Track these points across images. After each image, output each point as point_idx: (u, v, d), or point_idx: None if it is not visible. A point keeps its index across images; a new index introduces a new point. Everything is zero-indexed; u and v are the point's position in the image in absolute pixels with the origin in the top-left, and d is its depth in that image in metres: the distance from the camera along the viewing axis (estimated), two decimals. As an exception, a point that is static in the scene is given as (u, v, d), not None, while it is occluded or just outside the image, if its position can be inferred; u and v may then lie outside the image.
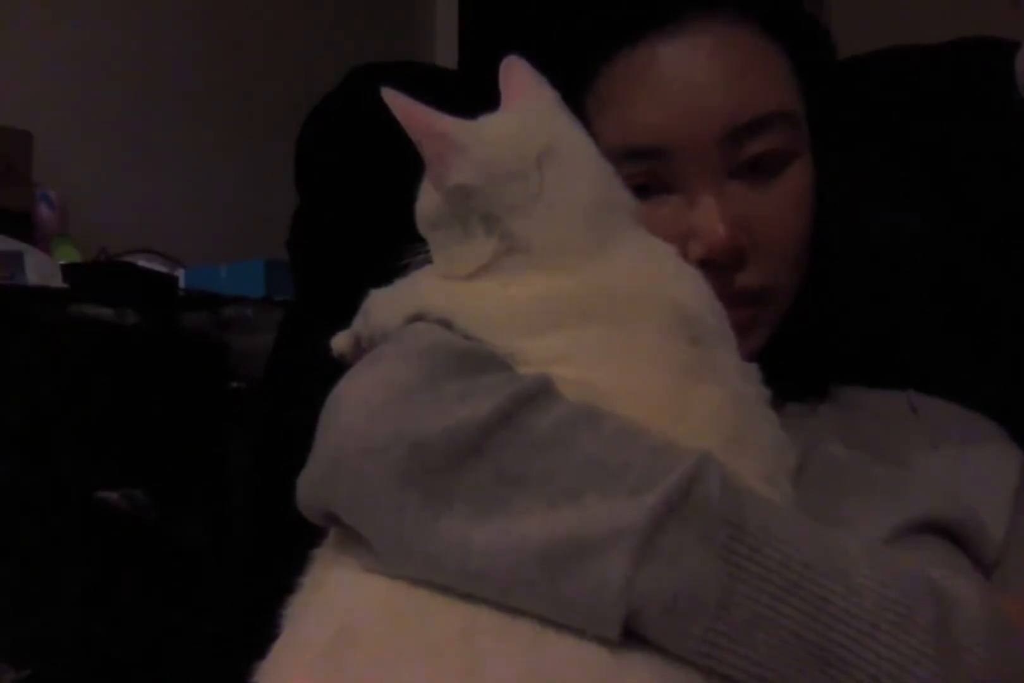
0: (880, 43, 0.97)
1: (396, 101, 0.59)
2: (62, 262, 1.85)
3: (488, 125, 0.60)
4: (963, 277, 0.87)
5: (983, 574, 0.67)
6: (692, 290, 0.59)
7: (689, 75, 0.68)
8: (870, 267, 0.87)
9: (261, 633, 0.54)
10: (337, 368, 0.60)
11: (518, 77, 0.63)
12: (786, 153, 0.70)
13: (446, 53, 3.05)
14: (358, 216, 0.96)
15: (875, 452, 0.71)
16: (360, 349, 0.63)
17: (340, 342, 0.65)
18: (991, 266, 0.87)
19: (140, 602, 1.43)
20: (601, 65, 0.70)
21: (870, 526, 0.63)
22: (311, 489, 0.55)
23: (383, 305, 0.62)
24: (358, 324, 0.63)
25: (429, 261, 0.62)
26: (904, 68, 0.95)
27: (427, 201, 0.61)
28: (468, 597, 0.49)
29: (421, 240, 0.63)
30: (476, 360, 0.55)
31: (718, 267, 0.67)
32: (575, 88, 0.68)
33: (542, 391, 0.52)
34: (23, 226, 1.95)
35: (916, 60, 0.95)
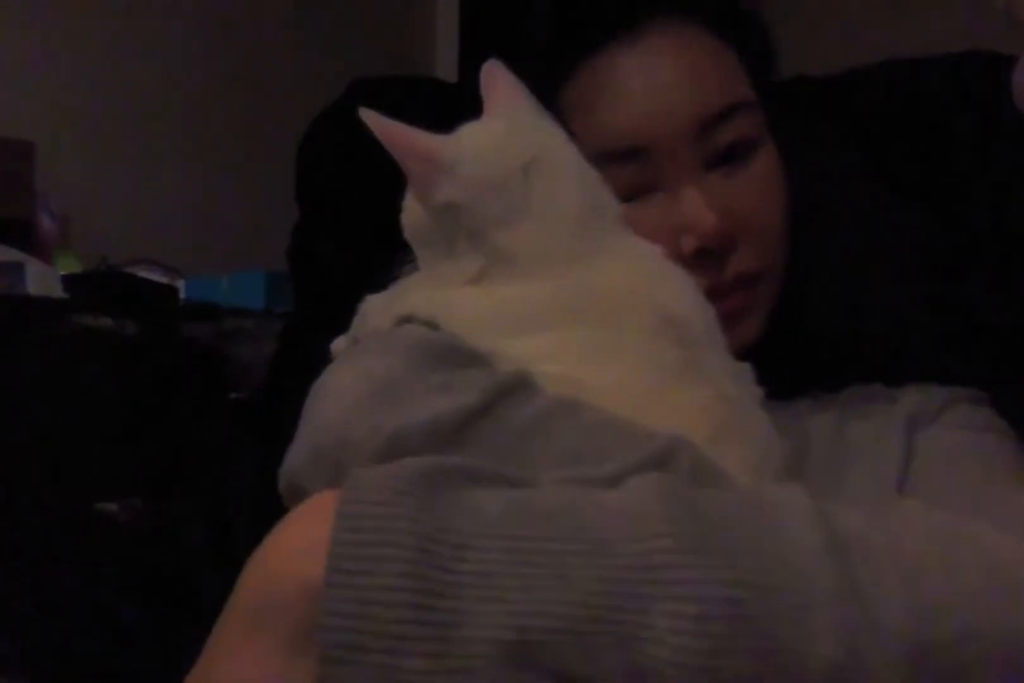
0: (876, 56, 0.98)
1: (375, 121, 0.59)
2: (63, 272, 1.85)
3: (471, 138, 0.61)
4: (954, 279, 0.88)
5: None
6: (679, 293, 0.60)
7: (650, 78, 0.70)
8: (861, 265, 0.88)
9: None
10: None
11: (499, 82, 0.65)
12: (753, 139, 0.72)
13: (446, 67, 3.06)
14: (357, 227, 0.96)
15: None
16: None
17: (340, 346, 0.65)
18: (987, 273, 0.88)
19: (139, 612, 1.43)
20: (567, 74, 0.72)
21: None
22: (291, 479, 0.55)
23: (377, 309, 0.62)
24: (355, 328, 0.64)
25: (419, 268, 0.63)
26: (901, 80, 0.96)
27: (410, 217, 0.62)
28: None
29: (415, 248, 0.64)
30: (457, 355, 0.55)
31: (713, 255, 0.68)
32: (547, 96, 0.69)
33: (521, 384, 0.53)
34: (24, 236, 1.96)
35: (913, 72, 0.96)
